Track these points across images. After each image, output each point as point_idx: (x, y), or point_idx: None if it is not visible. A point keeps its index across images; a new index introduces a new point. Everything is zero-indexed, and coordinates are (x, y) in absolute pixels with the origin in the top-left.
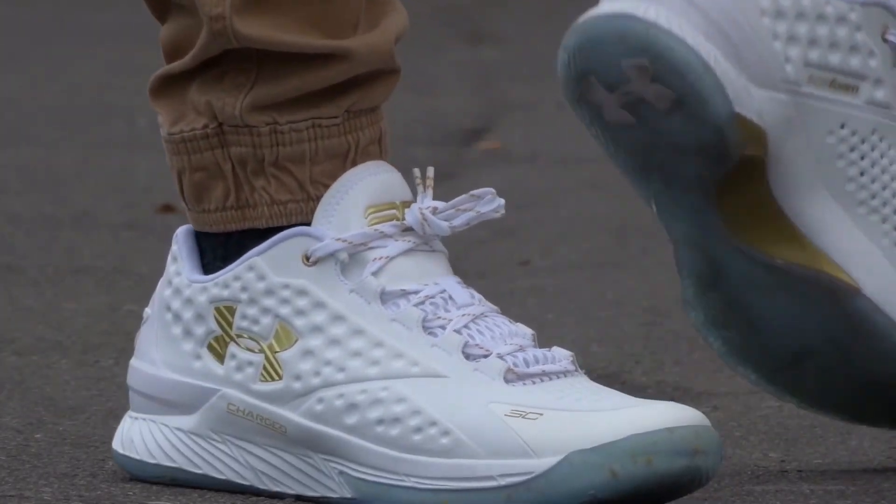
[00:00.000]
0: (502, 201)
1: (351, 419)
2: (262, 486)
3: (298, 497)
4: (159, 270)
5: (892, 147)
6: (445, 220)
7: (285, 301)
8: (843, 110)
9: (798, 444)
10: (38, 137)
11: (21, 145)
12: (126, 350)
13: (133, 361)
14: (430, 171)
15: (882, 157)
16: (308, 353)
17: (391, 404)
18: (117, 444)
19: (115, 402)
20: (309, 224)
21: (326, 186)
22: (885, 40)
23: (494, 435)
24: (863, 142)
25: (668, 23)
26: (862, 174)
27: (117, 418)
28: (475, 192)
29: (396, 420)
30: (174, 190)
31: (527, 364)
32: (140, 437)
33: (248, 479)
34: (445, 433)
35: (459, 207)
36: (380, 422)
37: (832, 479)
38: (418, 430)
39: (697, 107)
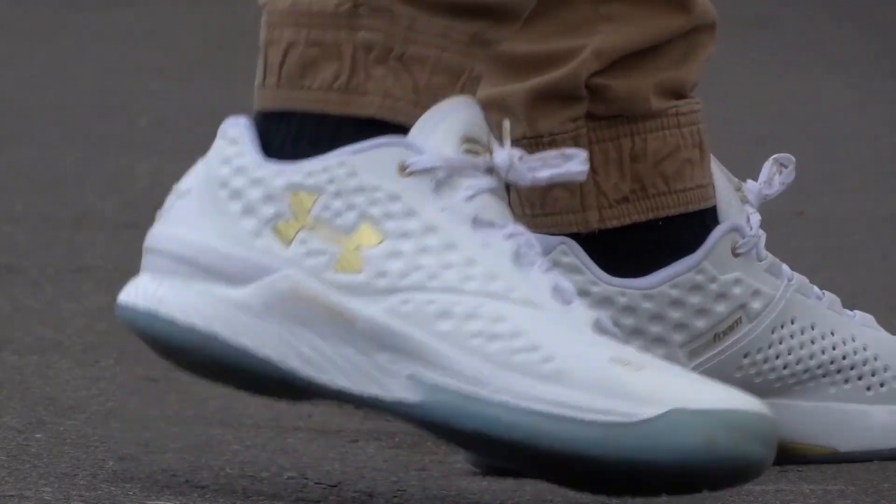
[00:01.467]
0: (587, 167)
1: (443, 326)
2: (303, 374)
3: (340, 393)
4: None
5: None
6: (529, 171)
7: (376, 202)
8: None
9: None
10: (38, 137)
11: (21, 145)
12: (126, 350)
13: (161, 226)
14: (507, 124)
15: None
16: (396, 254)
17: (490, 321)
18: (133, 298)
19: (116, 402)
20: (404, 130)
21: (435, 99)
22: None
23: (599, 373)
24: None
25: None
26: None
27: (117, 418)
28: (566, 151)
29: (495, 336)
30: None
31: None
32: (173, 295)
33: (291, 364)
34: (548, 359)
35: (548, 161)
36: (477, 334)
37: (832, 479)
38: (519, 351)
39: None
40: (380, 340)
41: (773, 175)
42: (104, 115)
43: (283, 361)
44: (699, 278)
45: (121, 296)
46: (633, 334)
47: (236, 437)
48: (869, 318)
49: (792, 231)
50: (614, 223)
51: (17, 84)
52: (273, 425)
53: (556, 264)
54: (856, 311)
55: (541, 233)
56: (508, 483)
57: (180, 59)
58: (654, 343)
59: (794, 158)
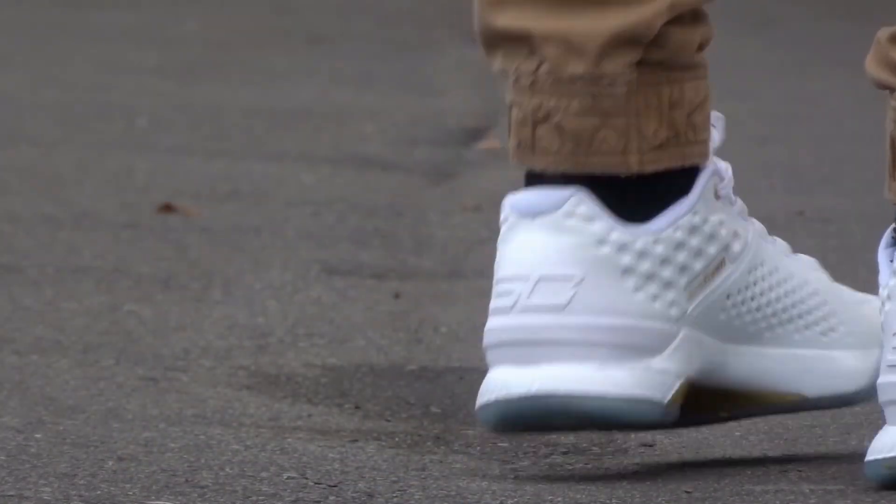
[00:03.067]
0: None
1: None
2: None
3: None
4: (159, 270)
5: None
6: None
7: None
8: None
9: (798, 444)
10: (38, 137)
11: (21, 145)
12: (126, 350)
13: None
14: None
15: None
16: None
17: None
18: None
19: (115, 402)
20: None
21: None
22: None
23: None
24: None
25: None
26: None
27: (117, 418)
28: (715, 114)
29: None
30: (173, 189)
31: None
32: None
33: None
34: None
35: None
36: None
37: (832, 479)
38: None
39: None
40: None
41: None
42: (104, 115)
43: None
44: (696, 219)
45: None
46: (648, 280)
47: (236, 437)
48: (813, 261)
49: (792, 231)
50: (651, 167)
51: (17, 84)
52: (273, 425)
53: (571, 215)
54: (800, 254)
55: (582, 171)
56: (508, 483)
57: (180, 59)
58: (666, 287)
59: (723, 116)
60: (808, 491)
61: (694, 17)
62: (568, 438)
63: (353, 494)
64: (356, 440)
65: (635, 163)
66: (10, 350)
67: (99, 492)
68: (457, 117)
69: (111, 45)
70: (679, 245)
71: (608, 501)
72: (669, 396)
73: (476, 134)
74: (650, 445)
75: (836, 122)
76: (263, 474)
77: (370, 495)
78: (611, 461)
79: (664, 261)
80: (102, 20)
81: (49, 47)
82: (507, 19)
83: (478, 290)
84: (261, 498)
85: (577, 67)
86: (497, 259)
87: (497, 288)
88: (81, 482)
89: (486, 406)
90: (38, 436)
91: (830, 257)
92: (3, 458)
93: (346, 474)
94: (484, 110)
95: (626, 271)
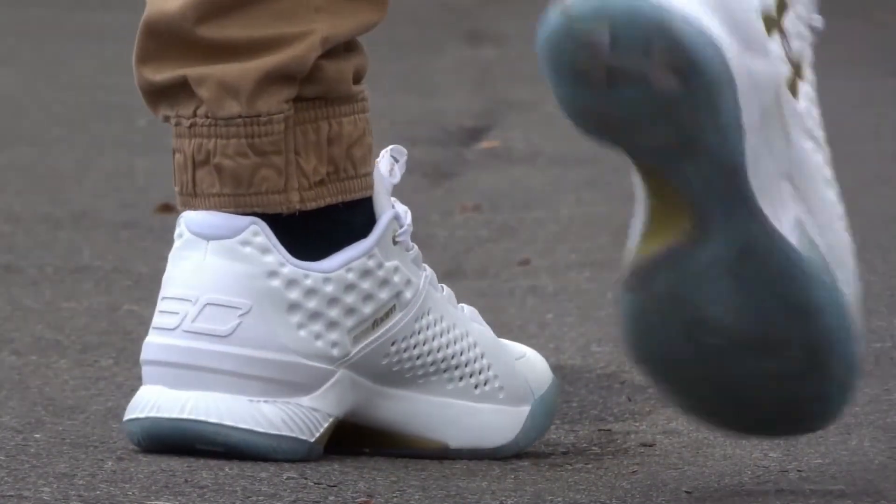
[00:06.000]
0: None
1: None
2: None
3: None
4: (159, 270)
5: None
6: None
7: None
8: None
9: (798, 444)
10: (38, 137)
11: (21, 145)
12: (125, 350)
13: None
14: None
15: None
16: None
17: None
18: None
19: (115, 402)
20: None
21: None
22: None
23: None
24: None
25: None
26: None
27: (117, 418)
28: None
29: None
30: (173, 189)
31: None
32: None
33: None
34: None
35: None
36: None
37: (832, 479)
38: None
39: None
40: None
41: (393, 166)
42: (104, 115)
43: None
44: (370, 263)
45: None
46: (313, 318)
47: None
48: (474, 311)
49: None
50: (312, 205)
51: (17, 84)
52: None
53: (247, 244)
54: (463, 304)
55: (245, 212)
56: (508, 483)
57: None
58: (330, 327)
59: (405, 151)
60: (808, 491)
61: (347, 47)
62: (568, 438)
63: (353, 494)
64: None
65: (296, 200)
66: (10, 350)
67: (98, 492)
68: (457, 117)
69: (111, 45)
70: (350, 287)
71: (608, 501)
72: (317, 436)
73: (476, 134)
74: (650, 445)
75: (836, 122)
76: (263, 474)
77: (370, 495)
78: (611, 461)
79: (332, 301)
80: (102, 20)
81: (49, 47)
82: (164, 73)
83: (478, 290)
84: (261, 498)
85: (232, 108)
86: (166, 275)
87: (162, 304)
88: (81, 482)
89: (134, 421)
90: (37, 436)
91: None
92: (2, 458)
93: (345, 474)
94: (484, 110)
95: (293, 307)
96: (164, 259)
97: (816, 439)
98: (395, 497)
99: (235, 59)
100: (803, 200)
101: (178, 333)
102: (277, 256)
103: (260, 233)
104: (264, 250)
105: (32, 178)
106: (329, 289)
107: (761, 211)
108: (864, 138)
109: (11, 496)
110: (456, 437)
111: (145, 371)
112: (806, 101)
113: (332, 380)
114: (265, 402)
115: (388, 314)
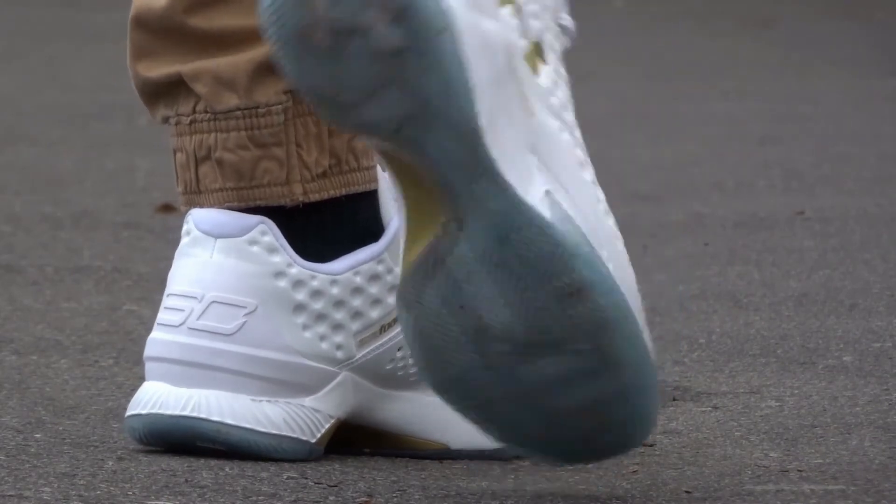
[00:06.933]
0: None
1: None
2: None
3: None
4: (159, 270)
5: None
6: None
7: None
8: None
9: (798, 444)
10: (38, 137)
11: (21, 145)
12: (126, 350)
13: None
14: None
15: None
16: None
17: None
18: None
19: (115, 402)
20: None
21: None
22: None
23: None
24: None
25: None
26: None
27: (117, 418)
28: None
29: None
30: (173, 189)
31: None
32: None
33: None
34: None
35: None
36: None
37: (832, 479)
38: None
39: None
40: None
41: None
42: (104, 115)
43: None
44: (379, 268)
45: None
46: (319, 319)
47: None
48: None
49: (792, 231)
50: (315, 196)
51: (17, 84)
52: None
53: (254, 243)
54: None
55: (249, 205)
56: (508, 483)
57: None
58: (335, 329)
59: None
60: (808, 491)
61: None
62: None
63: (353, 494)
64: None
65: (300, 192)
66: (10, 350)
67: (99, 492)
68: None
69: (111, 45)
70: (357, 290)
71: (608, 501)
72: (318, 437)
73: None
74: (650, 445)
75: (836, 122)
76: (263, 474)
77: (370, 495)
78: (610, 461)
79: (338, 303)
80: (102, 20)
81: (49, 47)
82: (160, 69)
83: None
84: (261, 498)
85: (230, 100)
86: (172, 271)
87: (167, 301)
88: (81, 482)
89: (136, 417)
90: (37, 436)
91: (830, 257)
92: (2, 458)
93: (345, 474)
94: None
95: (299, 308)
96: (165, 259)
97: (816, 439)
98: (396, 497)
99: (229, 50)
100: (553, 174)
101: (182, 330)
102: (285, 257)
103: (268, 232)
104: (272, 250)
105: (32, 178)
106: (336, 291)
107: (507, 182)
108: (864, 138)
109: (12, 496)
110: (457, 438)
111: (148, 367)
112: (549, 81)
113: (335, 381)
114: (267, 401)
115: (395, 321)
